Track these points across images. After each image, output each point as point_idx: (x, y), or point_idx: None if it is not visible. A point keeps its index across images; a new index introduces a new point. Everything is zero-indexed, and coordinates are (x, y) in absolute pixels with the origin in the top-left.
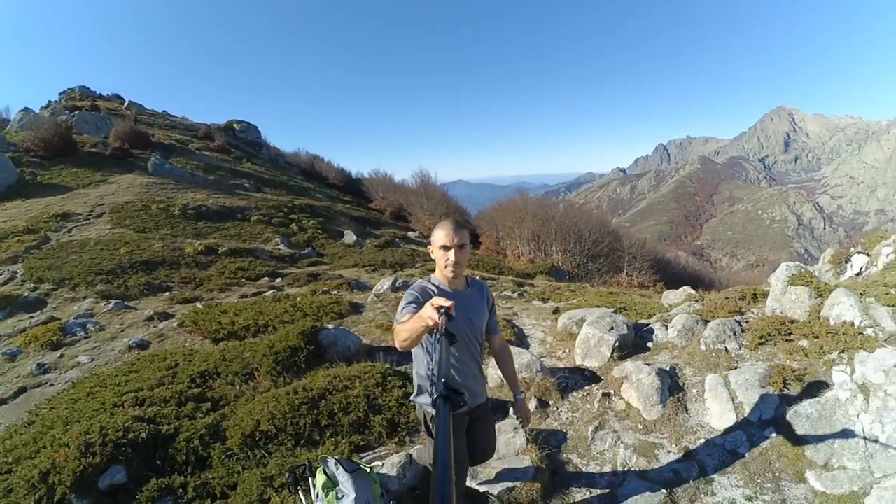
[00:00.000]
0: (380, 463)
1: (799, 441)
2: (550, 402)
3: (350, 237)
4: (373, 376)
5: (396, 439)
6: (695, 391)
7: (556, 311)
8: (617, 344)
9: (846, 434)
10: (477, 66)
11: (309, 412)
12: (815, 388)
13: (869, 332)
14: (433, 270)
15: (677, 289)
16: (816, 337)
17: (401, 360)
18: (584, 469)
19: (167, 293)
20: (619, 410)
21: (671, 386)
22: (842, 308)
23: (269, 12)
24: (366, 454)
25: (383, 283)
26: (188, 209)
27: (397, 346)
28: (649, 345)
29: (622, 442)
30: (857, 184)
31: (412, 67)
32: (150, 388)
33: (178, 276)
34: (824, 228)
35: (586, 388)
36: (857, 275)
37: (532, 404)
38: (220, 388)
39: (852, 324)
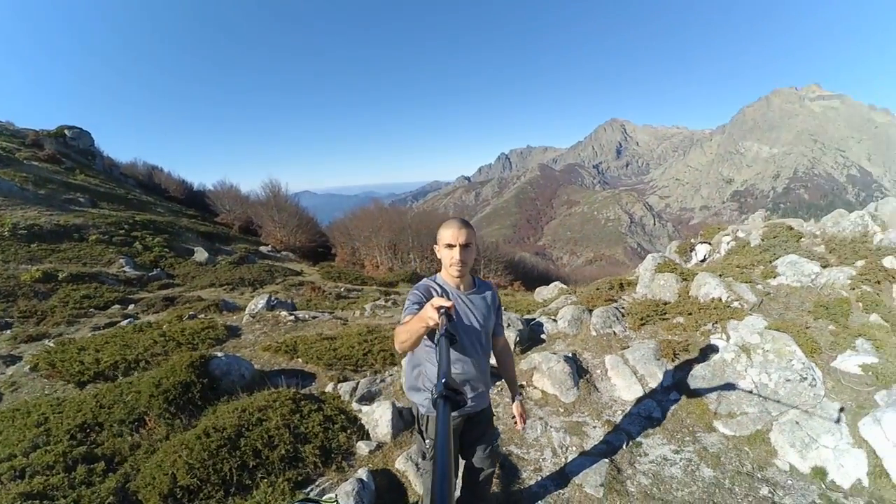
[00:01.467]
0: (332, 495)
1: (701, 399)
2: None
3: (201, 254)
4: (284, 403)
5: (334, 467)
6: (598, 371)
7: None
8: (518, 339)
9: (740, 386)
10: (321, 75)
11: (231, 455)
12: (704, 354)
13: (735, 304)
14: (296, 285)
15: (533, 286)
16: (690, 313)
17: (303, 383)
18: (526, 457)
19: (8, 331)
20: (536, 399)
21: (577, 370)
22: (709, 287)
23: (96, 11)
24: (309, 489)
25: (257, 302)
26: (19, 229)
27: (397, 347)
28: (543, 336)
29: (552, 426)
30: (682, 185)
31: (251, 77)
32: (24, 454)
33: (17, 309)
34: (654, 224)
35: (497, 383)
36: (702, 261)
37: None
38: (108, 443)
39: (720, 299)
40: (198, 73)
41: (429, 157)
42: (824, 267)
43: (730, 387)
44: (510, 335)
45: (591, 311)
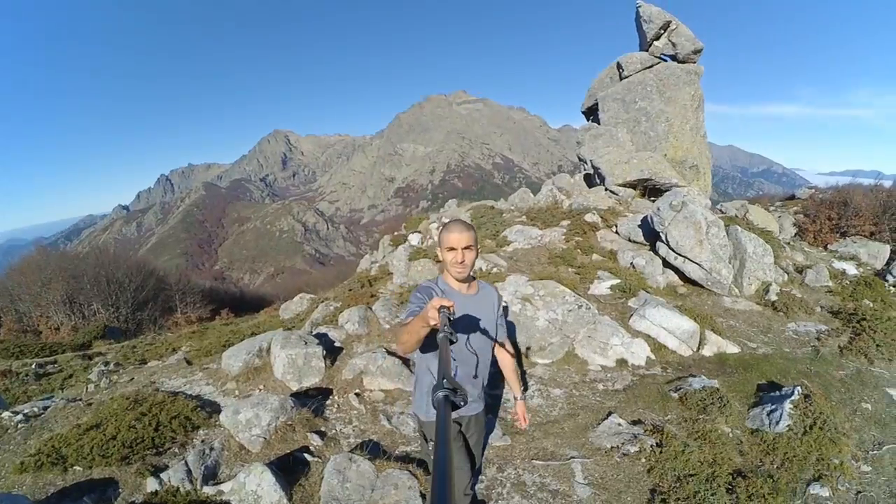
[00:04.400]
0: None
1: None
2: (324, 429)
3: None
4: None
5: None
6: (415, 356)
7: (190, 363)
8: (324, 353)
9: (538, 326)
10: None
11: None
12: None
13: (495, 270)
14: None
15: (242, 312)
16: None
17: (109, 494)
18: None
19: None
20: (381, 398)
21: (402, 359)
22: None
23: None
24: None
25: None
26: None
27: (398, 348)
28: (337, 345)
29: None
30: (349, 188)
31: None
32: None
33: None
34: (328, 229)
35: (328, 401)
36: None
37: (315, 439)
38: None
39: (481, 269)
40: None
41: (78, 189)
42: (541, 230)
43: (531, 329)
44: (317, 351)
45: (370, 307)
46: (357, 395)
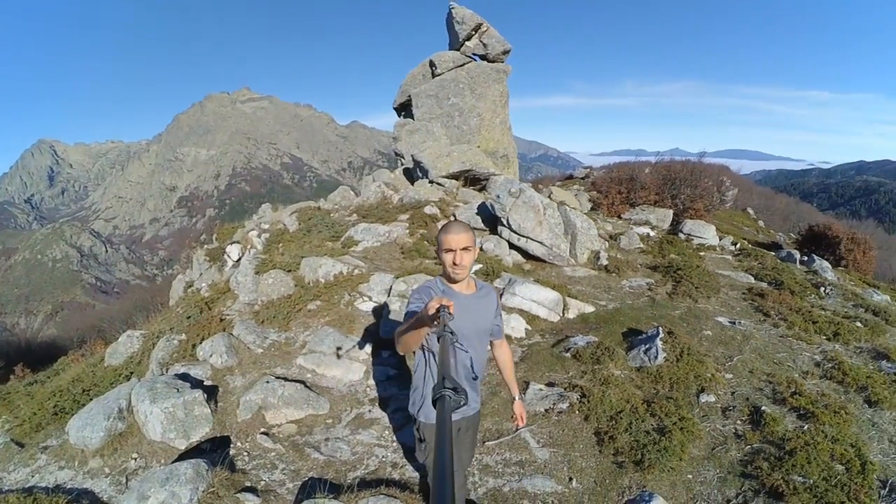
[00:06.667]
0: None
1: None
2: (250, 483)
3: None
4: None
5: None
6: (309, 376)
7: (22, 445)
8: (205, 397)
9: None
10: None
11: None
12: (377, 313)
13: (356, 271)
14: None
15: (40, 366)
16: (321, 294)
17: None
18: (374, 470)
19: None
20: (294, 430)
21: (301, 385)
22: (326, 267)
23: None
24: None
25: None
26: None
27: (398, 349)
28: (208, 383)
29: (348, 436)
30: (126, 202)
31: None
32: None
33: None
34: (107, 252)
35: (232, 450)
36: (237, 260)
37: (251, 498)
38: None
39: (342, 273)
40: None
41: None
42: (386, 226)
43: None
44: (195, 395)
45: (232, 335)
46: (264, 433)
